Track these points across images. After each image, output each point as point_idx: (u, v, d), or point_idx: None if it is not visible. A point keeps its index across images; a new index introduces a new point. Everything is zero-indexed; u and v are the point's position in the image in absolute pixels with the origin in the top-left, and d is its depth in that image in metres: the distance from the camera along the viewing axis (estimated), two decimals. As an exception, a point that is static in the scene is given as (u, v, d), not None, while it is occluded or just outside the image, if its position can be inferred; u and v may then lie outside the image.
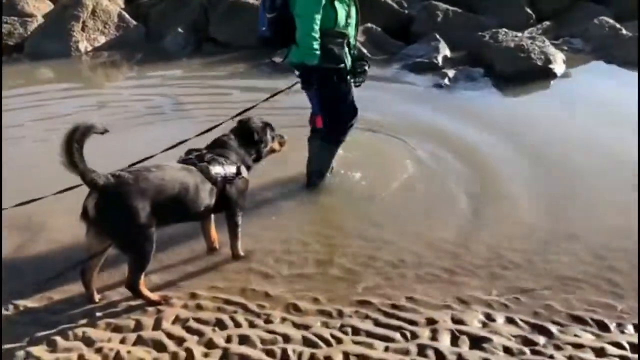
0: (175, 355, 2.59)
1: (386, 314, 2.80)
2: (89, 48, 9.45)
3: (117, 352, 2.61)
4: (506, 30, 7.32)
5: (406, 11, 8.79)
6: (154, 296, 2.97)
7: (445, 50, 7.44)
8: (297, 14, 3.51)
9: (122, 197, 2.67)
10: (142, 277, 2.90)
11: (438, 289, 3.00)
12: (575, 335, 2.58)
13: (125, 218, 2.70)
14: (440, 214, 3.76)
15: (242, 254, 3.33)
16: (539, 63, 6.43)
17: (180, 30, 9.32)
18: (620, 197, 3.85)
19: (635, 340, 2.54)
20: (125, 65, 8.78)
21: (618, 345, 2.51)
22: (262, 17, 3.72)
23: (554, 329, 2.63)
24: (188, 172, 2.97)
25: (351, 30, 3.76)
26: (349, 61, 3.77)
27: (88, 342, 2.69)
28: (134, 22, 10.01)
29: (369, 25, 8.14)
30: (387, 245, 3.42)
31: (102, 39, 9.62)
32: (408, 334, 2.64)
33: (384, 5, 8.71)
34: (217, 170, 3.06)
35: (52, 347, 2.66)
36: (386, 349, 2.55)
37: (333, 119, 3.91)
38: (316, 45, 3.54)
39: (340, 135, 4.01)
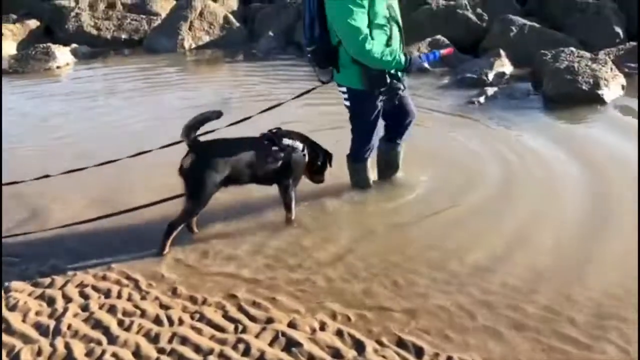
0: (54, 312, 3.10)
1: (239, 308, 3.06)
2: (193, 45, 10.53)
3: (17, 302, 3.19)
4: (573, 49, 6.85)
5: (484, 24, 8.56)
6: (167, 244, 3.64)
7: (502, 67, 7.22)
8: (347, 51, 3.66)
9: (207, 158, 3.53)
10: (180, 227, 3.63)
11: (310, 295, 3.18)
12: (383, 357, 2.64)
13: (200, 174, 3.51)
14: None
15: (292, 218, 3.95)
16: (584, 87, 5.98)
17: (271, 33, 10.02)
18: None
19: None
20: (214, 62, 9.78)
21: (411, 372, 2.54)
22: (306, 32, 3.83)
23: (370, 346, 2.71)
24: (259, 143, 3.71)
25: None
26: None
27: (6, 290, 3.32)
28: (237, 24, 10.92)
29: (438, 37, 8.14)
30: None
31: (206, 38, 10.66)
32: (240, 328, 2.89)
33: (461, 17, 8.60)
34: (286, 141, 3.75)
35: (-21, 289, 3.31)
36: (211, 337, 2.83)
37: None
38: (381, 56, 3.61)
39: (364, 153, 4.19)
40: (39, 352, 2.77)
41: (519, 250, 3.51)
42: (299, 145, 3.82)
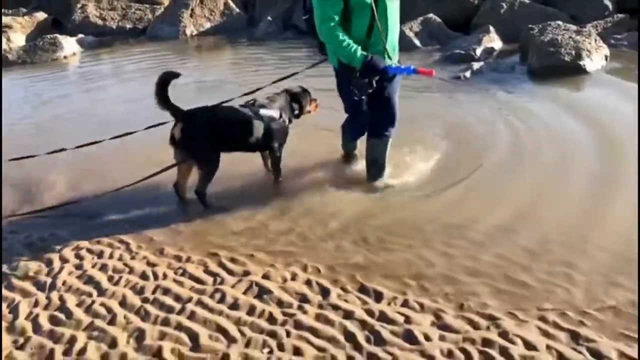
0: (51, 271, 3.39)
1: (219, 264, 3.32)
2: (195, 32, 10.78)
3: (18, 264, 3.48)
4: (560, 23, 7.00)
5: (476, 2, 8.69)
6: (209, 203, 4.01)
7: (490, 43, 7.38)
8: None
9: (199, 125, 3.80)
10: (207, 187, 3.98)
11: (286, 251, 3.44)
12: (345, 300, 2.89)
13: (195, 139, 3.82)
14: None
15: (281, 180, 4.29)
16: (567, 59, 6.13)
17: (269, 18, 10.22)
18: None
19: (390, 310, 2.79)
20: (214, 47, 10.01)
21: (368, 312, 2.78)
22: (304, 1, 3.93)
23: (334, 292, 2.96)
24: (243, 111, 3.99)
25: (374, 43, 3.60)
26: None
27: (9, 253, 3.62)
28: (237, 10, 11.14)
29: (430, 15, 8.30)
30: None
31: (207, 25, 10.89)
32: (219, 280, 3.16)
33: (455, -6, 8.73)
34: (263, 111, 3.98)
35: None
36: (191, 288, 3.10)
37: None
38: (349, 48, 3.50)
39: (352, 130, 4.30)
40: (36, 304, 3.07)
41: (482, 207, 3.74)
42: (275, 114, 4.05)
